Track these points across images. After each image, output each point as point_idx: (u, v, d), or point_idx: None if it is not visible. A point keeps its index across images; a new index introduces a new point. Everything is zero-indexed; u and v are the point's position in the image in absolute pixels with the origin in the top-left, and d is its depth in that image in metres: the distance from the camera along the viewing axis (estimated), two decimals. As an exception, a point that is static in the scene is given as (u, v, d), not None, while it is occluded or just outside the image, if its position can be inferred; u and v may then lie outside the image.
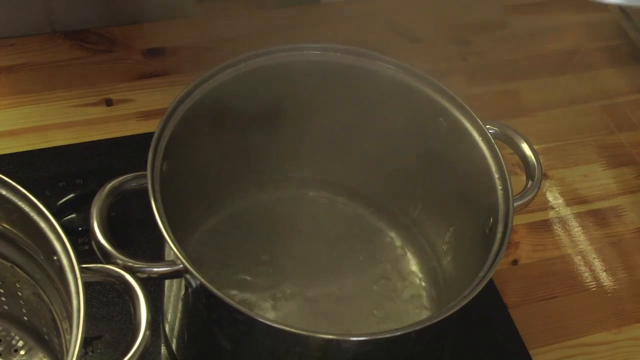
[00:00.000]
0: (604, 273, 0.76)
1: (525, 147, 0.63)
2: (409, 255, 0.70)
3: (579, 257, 0.77)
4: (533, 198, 0.61)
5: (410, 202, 0.70)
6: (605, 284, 0.76)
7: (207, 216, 0.69)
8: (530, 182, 0.61)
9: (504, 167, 0.59)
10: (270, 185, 0.71)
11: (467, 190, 0.63)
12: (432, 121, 0.63)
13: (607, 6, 0.96)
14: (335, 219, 0.71)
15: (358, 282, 0.68)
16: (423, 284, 0.68)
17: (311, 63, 0.63)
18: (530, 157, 0.62)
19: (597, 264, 0.77)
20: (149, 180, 0.53)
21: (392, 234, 0.71)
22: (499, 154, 0.60)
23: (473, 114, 0.61)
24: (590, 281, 0.76)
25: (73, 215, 0.70)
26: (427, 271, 0.69)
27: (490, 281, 0.54)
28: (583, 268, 0.76)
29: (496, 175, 0.59)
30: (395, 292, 0.67)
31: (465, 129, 0.61)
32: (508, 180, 0.58)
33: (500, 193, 0.58)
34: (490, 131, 0.61)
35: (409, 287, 0.68)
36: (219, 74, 0.60)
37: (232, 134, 0.65)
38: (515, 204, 0.58)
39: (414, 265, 0.69)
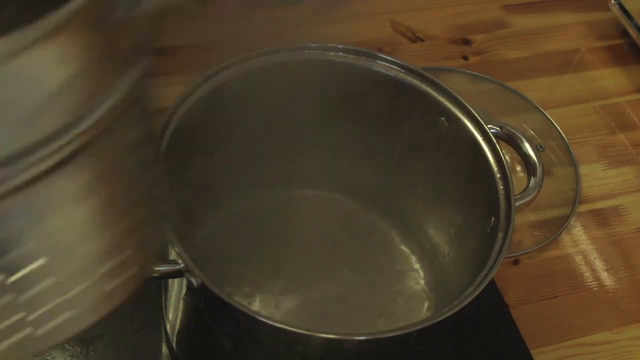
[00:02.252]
0: (605, 273, 0.76)
1: (527, 146, 0.63)
2: (410, 255, 0.70)
3: (580, 257, 0.77)
4: (535, 197, 0.61)
5: (411, 202, 0.70)
6: (606, 283, 0.76)
7: (208, 215, 0.69)
8: (531, 181, 0.62)
9: (506, 166, 0.59)
10: (272, 184, 0.71)
11: (469, 190, 0.63)
12: (433, 121, 0.63)
13: (608, 6, 0.96)
14: (337, 219, 0.71)
15: (359, 282, 0.68)
16: (424, 283, 0.68)
17: (312, 62, 0.63)
18: (532, 157, 0.62)
19: (599, 264, 0.77)
20: None
21: (394, 234, 0.71)
22: (501, 153, 0.60)
23: (475, 113, 0.61)
24: (592, 281, 0.76)
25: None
26: (428, 271, 0.69)
27: (492, 281, 0.54)
28: (584, 268, 0.76)
29: (498, 175, 0.59)
30: (396, 292, 0.67)
31: (467, 129, 0.61)
32: (509, 179, 0.58)
33: (501, 192, 0.58)
34: (491, 130, 0.61)
35: (410, 287, 0.68)
36: (222, 72, 0.60)
37: (233, 132, 0.65)
38: (516, 203, 0.58)
39: (415, 265, 0.69)
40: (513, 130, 0.63)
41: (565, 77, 0.94)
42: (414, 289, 0.68)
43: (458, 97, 0.62)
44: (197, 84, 0.59)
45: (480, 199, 0.60)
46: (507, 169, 0.59)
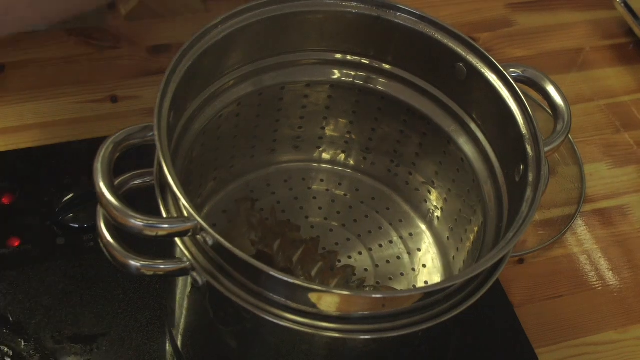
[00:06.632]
0: (610, 272, 0.76)
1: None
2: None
3: (585, 256, 0.77)
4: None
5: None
6: (610, 283, 0.75)
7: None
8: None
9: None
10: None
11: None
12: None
13: (613, 4, 0.96)
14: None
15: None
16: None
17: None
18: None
19: (603, 263, 0.77)
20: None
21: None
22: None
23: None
24: (596, 280, 0.75)
25: (78, 212, 0.70)
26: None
27: (496, 280, 0.54)
28: (589, 267, 0.76)
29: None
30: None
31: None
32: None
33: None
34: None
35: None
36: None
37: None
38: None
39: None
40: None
41: (570, 76, 0.94)
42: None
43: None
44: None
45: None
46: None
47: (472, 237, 0.64)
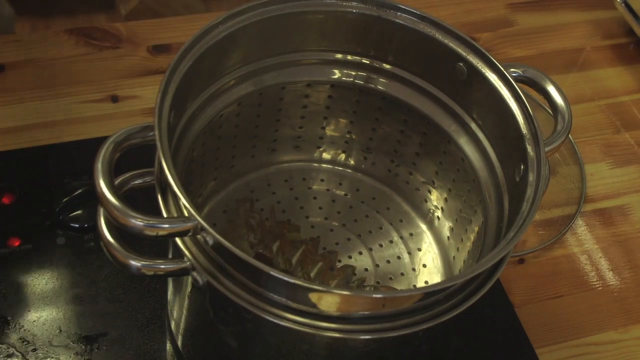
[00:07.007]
0: (610, 272, 0.76)
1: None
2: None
3: (585, 256, 0.77)
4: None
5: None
6: (611, 283, 0.75)
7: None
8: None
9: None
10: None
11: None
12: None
13: (613, 4, 0.96)
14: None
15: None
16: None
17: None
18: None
19: (603, 263, 0.77)
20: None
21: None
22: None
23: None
24: (596, 280, 0.75)
25: (79, 212, 0.70)
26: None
27: (497, 280, 0.54)
28: (589, 267, 0.76)
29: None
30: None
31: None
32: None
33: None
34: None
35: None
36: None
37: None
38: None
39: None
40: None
41: (570, 75, 0.94)
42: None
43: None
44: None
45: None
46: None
47: (472, 237, 0.64)
